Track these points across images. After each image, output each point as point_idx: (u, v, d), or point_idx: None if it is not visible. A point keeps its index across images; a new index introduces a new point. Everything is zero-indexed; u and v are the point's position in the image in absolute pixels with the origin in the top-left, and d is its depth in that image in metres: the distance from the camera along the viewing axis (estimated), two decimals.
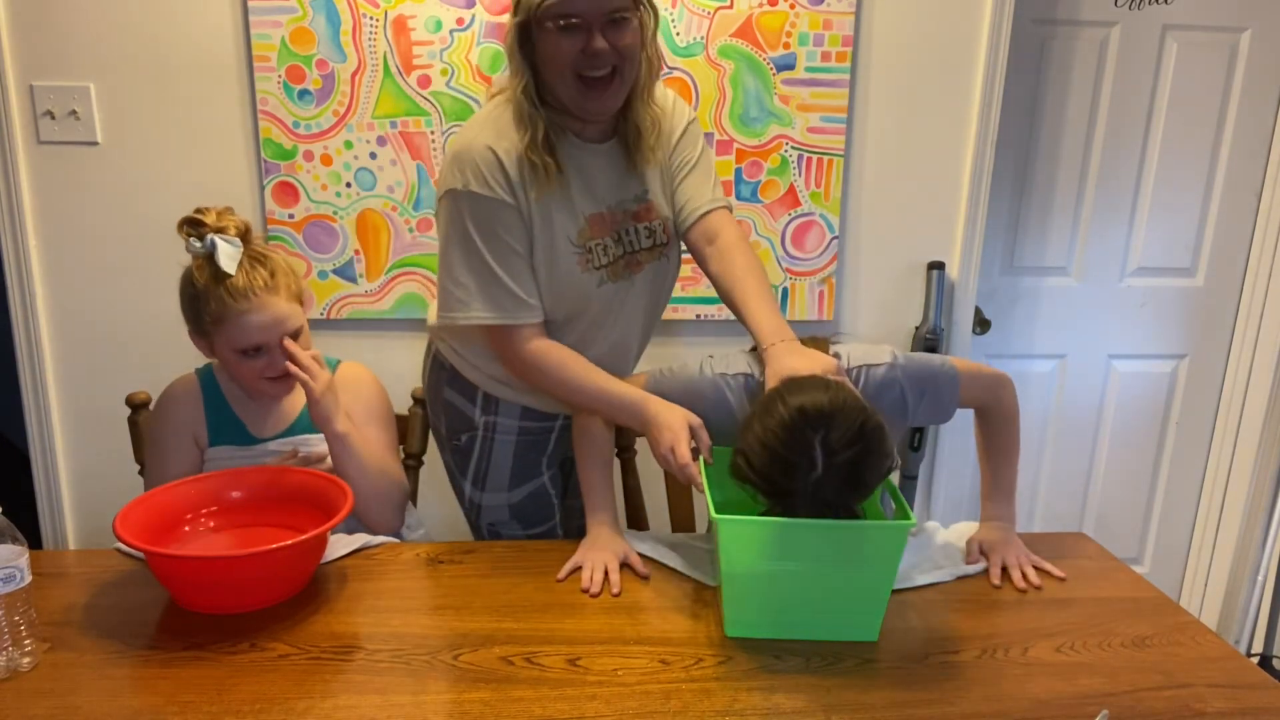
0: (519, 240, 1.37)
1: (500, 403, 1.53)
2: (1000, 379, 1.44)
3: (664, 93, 1.52)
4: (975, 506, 2.48)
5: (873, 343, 1.51)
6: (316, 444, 1.51)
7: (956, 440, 2.30)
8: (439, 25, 1.90)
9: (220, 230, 1.38)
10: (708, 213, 1.48)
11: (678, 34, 1.94)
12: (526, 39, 1.34)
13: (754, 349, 1.40)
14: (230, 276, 1.37)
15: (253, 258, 1.40)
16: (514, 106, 1.36)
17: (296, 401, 1.52)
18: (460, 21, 1.90)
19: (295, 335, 1.43)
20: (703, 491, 1.25)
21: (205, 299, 1.38)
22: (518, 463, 1.56)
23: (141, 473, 1.57)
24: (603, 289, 1.43)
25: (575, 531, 1.86)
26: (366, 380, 1.60)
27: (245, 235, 1.42)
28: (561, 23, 1.30)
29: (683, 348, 2.12)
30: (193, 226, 1.38)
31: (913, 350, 2.14)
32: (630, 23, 1.34)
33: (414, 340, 2.09)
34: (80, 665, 1.09)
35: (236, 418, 1.50)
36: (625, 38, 1.33)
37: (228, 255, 1.37)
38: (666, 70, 1.95)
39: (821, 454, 1.11)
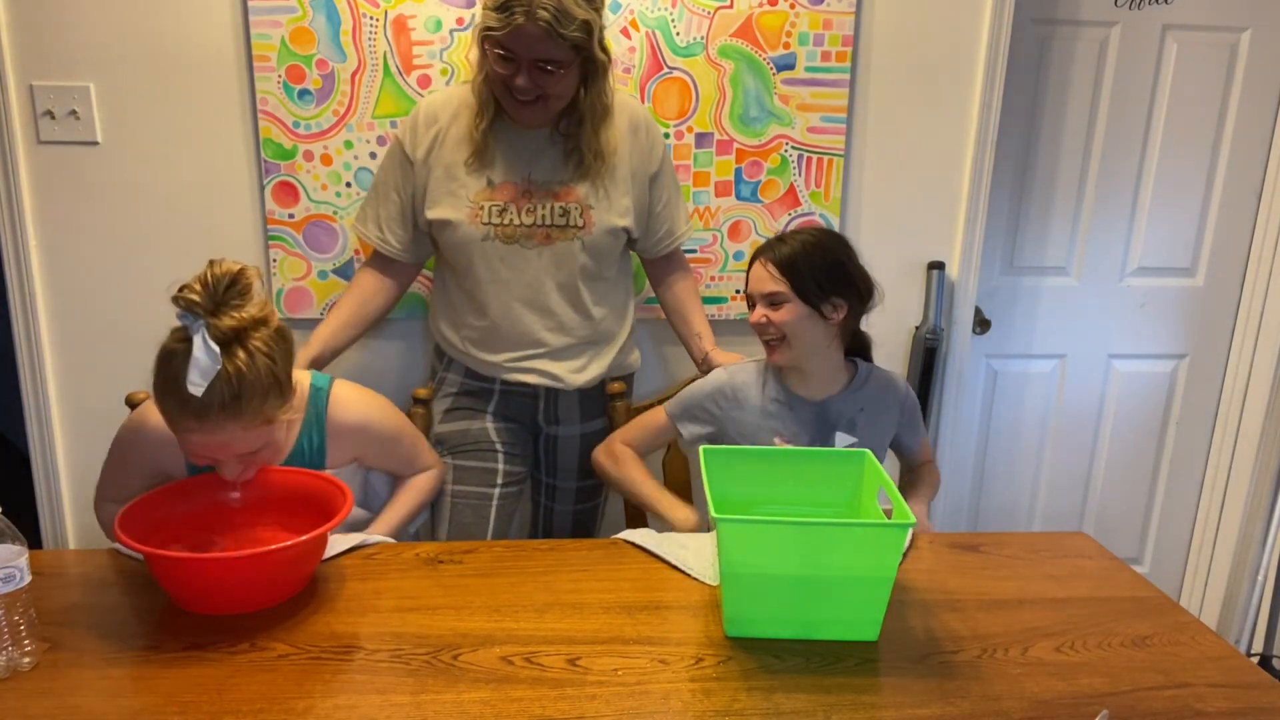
0: (403, 188, 1.68)
1: (451, 361, 1.79)
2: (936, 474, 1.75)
3: (626, 110, 1.67)
4: (976, 510, 2.50)
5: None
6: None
7: (957, 442, 2.31)
8: (439, 25, 1.90)
9: (214, 316, 1.18)
10: (678, 246, 1.83)
11: (678, 34, 1.94)
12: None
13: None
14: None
15: (227, 375, 1.18)
16: (474, 89, 1.59)
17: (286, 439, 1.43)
18: (460, 21, 1.90)
19: (255, 453, 1.30)
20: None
21: (166, 385, 1.21)
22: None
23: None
24: (488, 244, 1.64)
25: (564, 532, 1.89)
26: (367, 409, 1.49)
27: (246, 330, 1.20)
28: (499, 51, 1.49)
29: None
30: (181, 303, 1.18)
31: (912, 350, 2.15)
32: (561, 71, 1.50)
33: (414, 340, 2.08)
34: (80, 665, 1.09)
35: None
36: (552, 84, 1.51)
37: (200, 370, 1.16)
38: (666, 70, 1.95)
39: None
